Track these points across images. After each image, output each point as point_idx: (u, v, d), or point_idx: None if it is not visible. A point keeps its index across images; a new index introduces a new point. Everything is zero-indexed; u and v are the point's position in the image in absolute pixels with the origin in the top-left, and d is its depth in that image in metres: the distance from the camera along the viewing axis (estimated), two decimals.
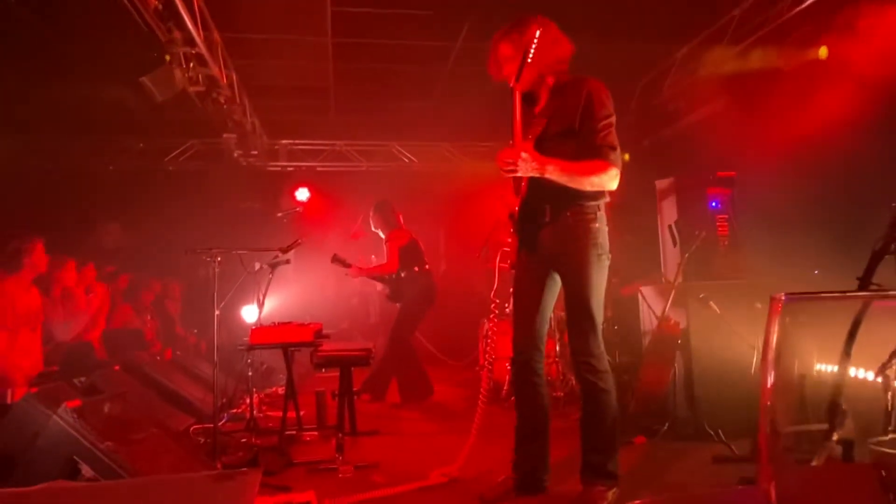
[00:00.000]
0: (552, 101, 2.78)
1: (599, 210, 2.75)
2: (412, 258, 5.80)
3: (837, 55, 4.80)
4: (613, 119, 2.69)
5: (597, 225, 2.73)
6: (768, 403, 0.57)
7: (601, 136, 2.64)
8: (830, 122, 4.47)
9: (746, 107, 5.65)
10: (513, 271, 2.90)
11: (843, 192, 4.66)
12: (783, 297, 0.57)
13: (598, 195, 2.74)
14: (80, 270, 5.96)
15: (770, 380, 0.57)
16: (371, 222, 5.98)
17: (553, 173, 2.60)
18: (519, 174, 2.62)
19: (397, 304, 5.85)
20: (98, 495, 1.19)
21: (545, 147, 2.67)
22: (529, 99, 2.84)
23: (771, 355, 0.58)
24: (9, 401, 3.31)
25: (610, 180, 2.65)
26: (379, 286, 6.34)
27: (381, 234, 5.92)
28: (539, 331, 2.88)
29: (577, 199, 2.70)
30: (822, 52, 4.91)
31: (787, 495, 0.56)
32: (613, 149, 2.66)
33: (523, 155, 2.57)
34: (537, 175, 2.61)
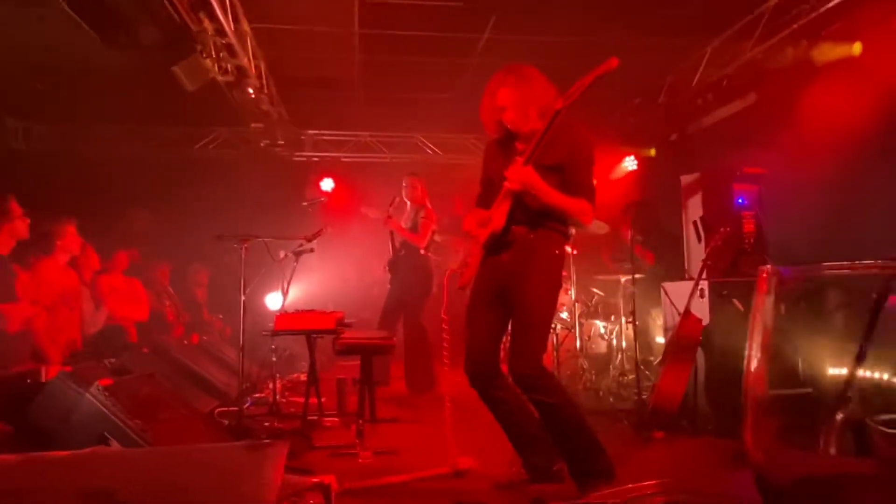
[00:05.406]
0: (538, 139, 2.75)
1: (565, 239, 2.86)
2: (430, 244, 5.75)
3: (872, 51, 4.71)
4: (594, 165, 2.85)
5: (558, 252, 2.83)
6: (758, 393, 0.58)
7: (587, 178, 2.79)
8: (863, 120, 4.39)
9: (776, 103, 5.56)
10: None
11: (873, 194, 4.57)
12: (771, 271, 0.54)
13: (566, 225, 2.85)
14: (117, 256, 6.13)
15: (754, 364, 0.57)
16: (410, 191, 5.73)
17: (542, 193, 2.69)
18: (516, 187, 2.70)
19: (392, 278, 5.70)
20: (133, 460, 1.25)
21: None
22: (512, 134, 2.91)
23: (758, 339, 0.58)
24: (43, 379, 3.42)
25: (586, 218, 2.80)
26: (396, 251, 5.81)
27: (417, 207, 5.70)
28: (497, 345, 2.89)
29: (545, 222, 2.79)
30: (857, 48, 4.81)
31: (779, 480, 0.56)
32: (594, 192, 2.82)
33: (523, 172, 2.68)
34: (529, 190, 2.69)
